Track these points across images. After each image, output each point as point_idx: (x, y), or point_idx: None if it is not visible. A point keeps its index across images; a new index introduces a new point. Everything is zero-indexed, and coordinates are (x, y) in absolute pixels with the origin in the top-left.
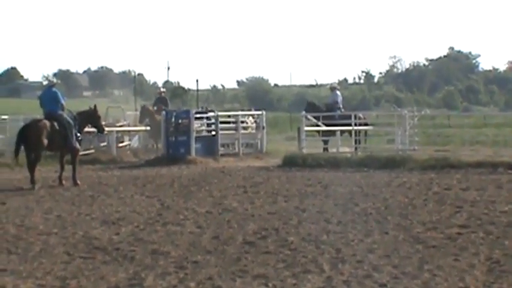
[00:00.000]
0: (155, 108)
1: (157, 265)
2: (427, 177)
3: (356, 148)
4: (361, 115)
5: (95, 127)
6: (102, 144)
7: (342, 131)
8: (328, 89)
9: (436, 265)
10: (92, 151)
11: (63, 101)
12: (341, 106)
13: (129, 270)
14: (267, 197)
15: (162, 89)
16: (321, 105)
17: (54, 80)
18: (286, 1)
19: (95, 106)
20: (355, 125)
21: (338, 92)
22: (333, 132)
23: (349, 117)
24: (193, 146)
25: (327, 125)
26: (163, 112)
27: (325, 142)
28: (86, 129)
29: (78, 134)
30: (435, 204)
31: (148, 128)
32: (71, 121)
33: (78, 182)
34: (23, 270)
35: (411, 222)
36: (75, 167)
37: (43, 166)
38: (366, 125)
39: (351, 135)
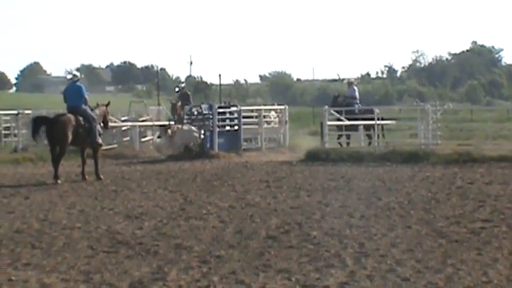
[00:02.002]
0: (179, 103)
1: (181, 259)
2: (450, 171)
3: (378, 143)
4: (377, 110)
5: (102, 122)
6: (125, 139)
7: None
8: (346, 84)
9: (459, 259)
10: (115, 146)
11: (86, 96)
12: (358, 101)
13: (152, 264)
14: (290, 192)
15: (181, 84)
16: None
17: (78, 75)
18: None
19: (108, 103)
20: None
21: (355, 87)
22: (355, 127)
23: (367, 112)
24: (216, 140)
25: (348, 120)
26: (186, 107)
27: (348, 137)
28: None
29: (100, 129)
30: (458, 198)
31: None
32: (94, 116)
33: (101, 176)
34: (46, 265)
35: (434, 216)
36: (97, 162)
37: (66, 161)
38: (382, 119)
39: (368, 130)
